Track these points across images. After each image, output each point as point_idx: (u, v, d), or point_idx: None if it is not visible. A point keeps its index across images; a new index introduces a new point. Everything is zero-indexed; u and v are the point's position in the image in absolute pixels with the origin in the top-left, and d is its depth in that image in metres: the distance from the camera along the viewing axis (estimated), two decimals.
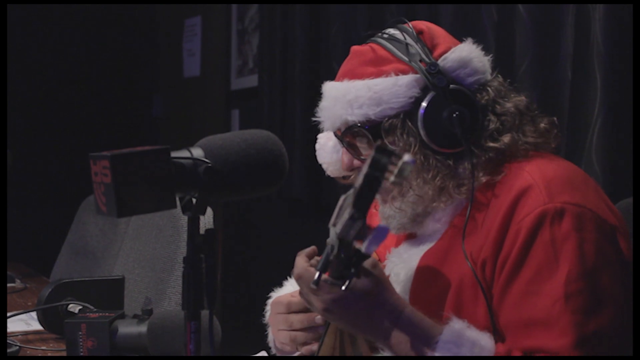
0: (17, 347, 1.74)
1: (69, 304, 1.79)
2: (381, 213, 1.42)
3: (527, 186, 1.28)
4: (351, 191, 1.03)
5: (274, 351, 1.60)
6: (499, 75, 1.42)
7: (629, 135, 1.75)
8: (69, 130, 4.57)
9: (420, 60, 1.35)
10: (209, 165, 1.09)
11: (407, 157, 0.99)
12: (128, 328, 1.58)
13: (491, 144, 1.33)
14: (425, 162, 1.34)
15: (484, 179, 1.33)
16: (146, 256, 2.31)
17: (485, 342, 1.22)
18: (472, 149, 1.33)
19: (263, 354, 1.66)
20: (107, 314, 1.62)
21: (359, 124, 1.37)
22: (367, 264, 1.21)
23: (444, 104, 1.33)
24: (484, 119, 1.35)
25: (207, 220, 2.13)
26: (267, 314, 1.57)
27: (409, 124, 1.34)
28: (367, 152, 1.40)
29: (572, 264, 1.22)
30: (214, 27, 4.33)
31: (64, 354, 1.66)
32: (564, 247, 1.23)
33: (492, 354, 1.20)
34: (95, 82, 4.68)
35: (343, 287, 1.12)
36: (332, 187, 3.00)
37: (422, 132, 1.33)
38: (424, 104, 1.33)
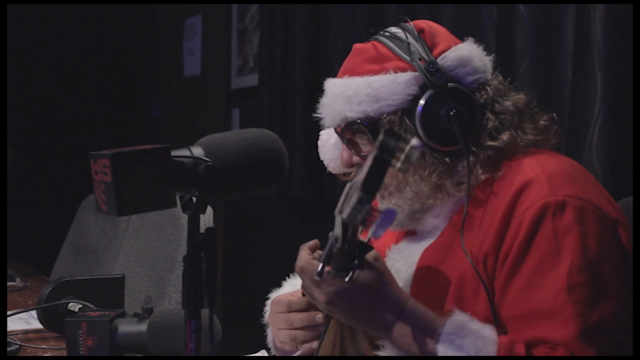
0: (17, 346, 1.74)
1: (69, 303, 1.79)
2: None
3: (528, 180, 1.29)
4: (358, 178, 1.03)
5: (273, 351, 1.60)
6: (499, 75, 1.43)
7: (629, 134, 1.75)
8: (69, 129, 4.58)
9: (420, 59, 1.36)
10: (209, 164, 1.09)
11: (414, 141, 1.00)
12: (128, 327, 1.58)
13: (490, 143, 1.34)
14: (422, 159, 1.34)
15: (483, 177, 1.34)
16: (146, 255, 2.31)
17: (488, 333, 1.22)
18: (471, 147, 1.34)
19: (263, 353, 1.66)
20: (107, 312, 1.62)
21: (358, 121, 1.38)
22: (369, 257, 1.21)
23: (442, 102, 1.33)
24: (483, 118, 1.36)
25: (207, 219, 2.13)
26: (267, 314, 1.57)
27: (407, 121, 1.35)
28: (367, 149, 1.41)
29: (574, 256, 1.23)
30: (214, 26, 4.33)
31: (64, 352, 1.66)
32: (566, 239, 1.24)
33: (495, 345, 1.21)
34: (96, 82, 4.68)
35: (346, 279, 1.13)
36: (333, 186, 3.00)
37: (419, 130, 1.34)
38: (421, 102, 1.34)
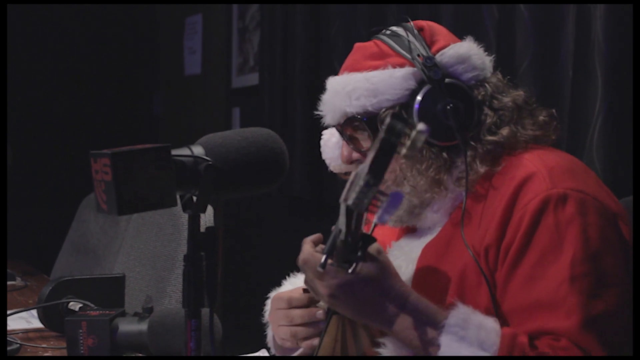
0: (18, 345, 1.74)
1: (69, 302, 1.79)
2: None
3: (529, 174, 1.30)
4: (363, 166, 1.03)
5: (273, 350, 1.60)
6: (499, 73, 1.44)
7: (629, 133, 1.75)
8: (69, 128, 4.57)
9: (418, 55, 1.38)
10: (210, 163, 1.09)
11: (421, 125, 1.00)
12: (129, 326, 1.58)
13: (489, 137, 1.36)
14: (419, 153, 1.36)
15: (482, 170, 1.35)
16: (147, 254, 2.31)
17: (491, 324, 1.23)
18: (469, 141, 1.35)
19: (263, 352, 1.66)
20: (107, 311, 1.62)
21: (358, 116, 1.40)
22: (372, 250, 1.22)
23: (439, 96, 1.35)
24: (481, 114, 1.37)
25: (207, 218, 2.13)
26: (267, 312, 1.57)
27: (405, 115, 1.35)
28: (367, 145, 1.42)
29: (576, 247, 1.24)
30: (214, 25, 4.33)
31: (64, 352, 1.66)
32: (568, 231, 1.25)
33: (498, 336, 1.21)
34: (96, 81, 4.68)
35: (350, 270, 1.13)
36: (333, 185, 3.00)
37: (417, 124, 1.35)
38: (419, 98, 1.35)
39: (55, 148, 4.53)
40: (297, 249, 1.32)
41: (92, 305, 1.78)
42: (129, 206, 1.04)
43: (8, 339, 1.74)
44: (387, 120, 1.02)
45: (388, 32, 1.44)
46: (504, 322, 1.27)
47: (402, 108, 1.37)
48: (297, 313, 1.44)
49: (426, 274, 1.37)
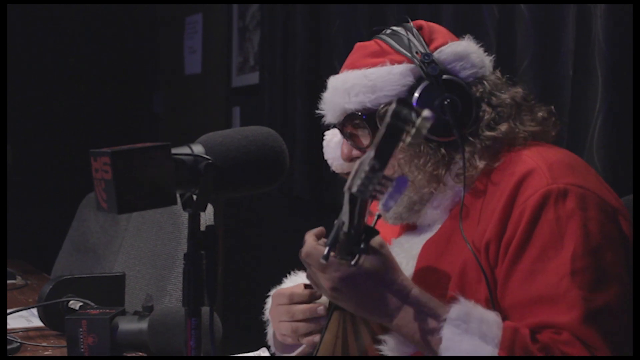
0: (18, 344, 1.74)
1: (69, 301, 1.79)
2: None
3: (529, 169, 1.31)
4: (368, 154, 1.03)
5: (273, 348, 1.60)
6: (498, 72, 1.45)
7: (629, 132, 1.75)
8: (69, 127, 4.58)
9: (417, 52, 1.39)
10: (210, 161, 1.09)
11: (426, 112, 1.00)
12: (129, 324, 1.58)
13: (488, 133, 1.37)
14: (416, 148, 1.37)
15: (481, 166, 1.35)
16: (147, 253, 2.32)
17: (492, 317, 1.23)
18: (468, 138, 1.36)
19: (263, 350, 1.66)
20: (107, 310, 1.62)
21: (357, 113, 1.41)
22: (374, 243, 1.22)
23: (437, 92, 1.36)
24: (479, 110, 1.38)
25: (207, 217, 2.13)
26: (268, 308, 1.57)
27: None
28: (367, 142, 1.43)
29: (577, 241, 1.24)
30: (215, 24, 4.33)
31: (64, 350, 1.66)
32: (568, 225, 1.25)
33: (500, 329, 1.21)
34: (97, 80, 4.68)
35: (352, 262, 1.13)
36: (333, 185, 3.00)
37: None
38: (416, 94, 1.36)
39: (56, 147, 4.53)
40: (297, 248, 1.32)
41: (92, 304, 1.78)
42: (128, 205, 1.04)
43: (8, 337, 1.74)
44: (393, 105, 1.02)
45: (388, 31, 1.46)
46: (505, 317, 1.27)
47: None
48: (299, 309, 1.45)
49: (426, 270, 1.38)
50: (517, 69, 2.05)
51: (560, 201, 1.27)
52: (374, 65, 1.40)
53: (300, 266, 1.42)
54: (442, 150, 1.37)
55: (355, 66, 1.43)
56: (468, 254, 1.31)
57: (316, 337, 1.42)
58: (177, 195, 1.10)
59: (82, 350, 1.57)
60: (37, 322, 1.90)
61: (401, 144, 1.03)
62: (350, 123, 1.44)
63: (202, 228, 1.10)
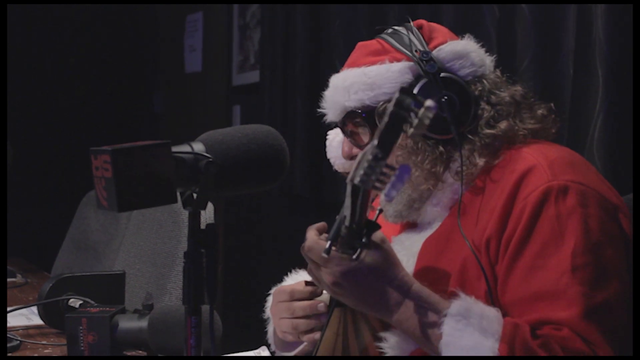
0: (18, 342, 1.74)
1: (69, 299, 1.80)
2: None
3: (530, 166, 1.31)
4: (370, 144, 1.03)
5: (273, 346, 1.60)
6: (498, 71, 1.46)
7: (629, 132, 1.75)
8: (70, 125, 4.58)
9: (416, 50, 1.40)
10: (210, 159, 1.09)
11: (429, 102, 1.00)
12: (129, 323, 1.58)
13: (488, 131, 1.37)
14: (414, 145, 1.37)
15: (481, 163, 1.36)
16: (147, 251, 2.32)
17: (493, 313, 1.23)
18: (467, 135, 1.36)
19: (264, 349, 1.66)
20: (107, 308, 1.62)
21: (358, 110, 1.41)
22: (375, 238, 1.22)
23: (435, 90, 1.36)
24: (478, 108, 1.38)
25: (208, 215, 2.13)
26: (269, 305, 1.58)
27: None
28: (367, 140, 1.43)
29: (577, 238, 1.24)
30: (215, 23, 4.33)
31: (64, 348, 1.66)
32: (569, 221, 1.26)
33: (500, 325, 1.21)
34: (97, 78, 4.68)
35: (354, 257, 1.13)
36: (334, 183, 3.00)
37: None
38: (414, 91, 1.36)
39: (56, 146, 4.53)
40: (298, 246, 1.32)
41: (92, 302, 1.78)
42: (129, 203, 1.04)
43: (8, 335, 1.74)
44: (396, 94, 1.02)
45: (390, 30, 1.46)
46: (505, 313, 1.27)
47: None
48: (299, 305, 1.45)
49: (427, 268, 1.38)
50: (518, 69, 2.05)
51: (561, 198, 1.27)
52: (373, 63, 1.41)
53: (300, 264, 1.43)
54: (441, 148, 1.38)
55: (356, 64, 1.44)
56: (468, 251, 1.31)
57: (317, 335, 1.42)
58: (178, 194, 1.10)
59: (82, 348, 1.57)
60: (37, 320, 1.90)
61: (404, 134, 1.03)
62: (350, 121, 1.44)
63: (203, 226, 1.10)
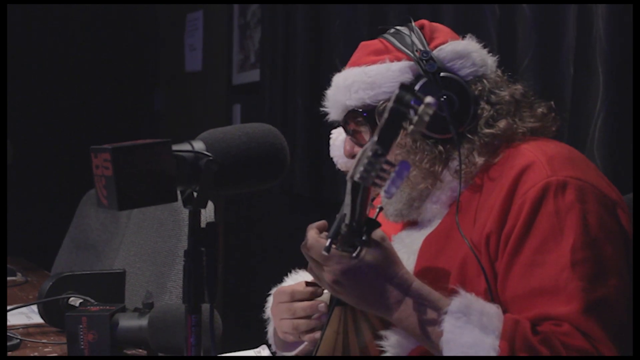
0: (18, 340, 1.74)
1: (69, 298, 1.79)
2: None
3: (529, 163, 1.31)
4: (370, 141, 1.03)
5: (273, 346, 1.60)
6: (499, 70, 1.46)
7: (630, 131, 1.75)
8: (70, 124, 4.58)
9: (416, 50, 1.40)
10: (210, 158, 1.09)
11: (429, 99, 1.00)
12: (129, 321, 1.58)
13: (487, 130, 1.37)
14: (413, 144, 1.38)
15: (480, 162, 1.36)
16: (147, 250, 2.32)
17: (493, 310, 1.23)
18: (466, 135, 1.37)
19: (264, 348, 1.66)
20: (108, 307, 1.62)
21: (359, 109, 1.42)
22: (375, 236, 1.22)
23: (435, 89, 1.37)
24: (477, 108, 1.38)
25: (208, 213, 2.13)
26: (269, 306, 1.58)
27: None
28: (369, 139, 1.42)
29: (576, 233, 1.25)
30: (215, 21, 4.33)
31: (64, 347, 1.66)
32: (568, 217, 1.26)
33: (500, 321, 1.21)
34: (97, 77, 4.69)
35: (354, 255, 1.13)
36: (334, 182, 3.00)
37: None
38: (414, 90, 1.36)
39: (56, 145, 4.54)
40: (298, 245, 1.32)
41: (93, 300, 1.78)
42: (129, 201, 1.04)
43: (8, 334, 1.74)
44: (396, 90, 1.03)
45: (392, 30, 1.47)
46: (505, 309, 1.27)
47: None
48: (300, 306, 1.45)
49: (427, 265, 1.38)
50: (518, 68, 2.05)
51: (560, 193, 1.27)
52: (374, 62, 1.42)
53: (301, 263, 1.43)
54: (440, 147, 1.38)
55: (357, 64, 1.45)
56: (467, 248, 1.31)
57: (317, 335, 1.42)
58: (178, 192, 1.10)
59: (82, 347, 1.57)
60: (37, 319, 1.90)
61: (403, 132, 1.03)
62: (352, 120, 1.45)
63: (203, 225, 1.10)
